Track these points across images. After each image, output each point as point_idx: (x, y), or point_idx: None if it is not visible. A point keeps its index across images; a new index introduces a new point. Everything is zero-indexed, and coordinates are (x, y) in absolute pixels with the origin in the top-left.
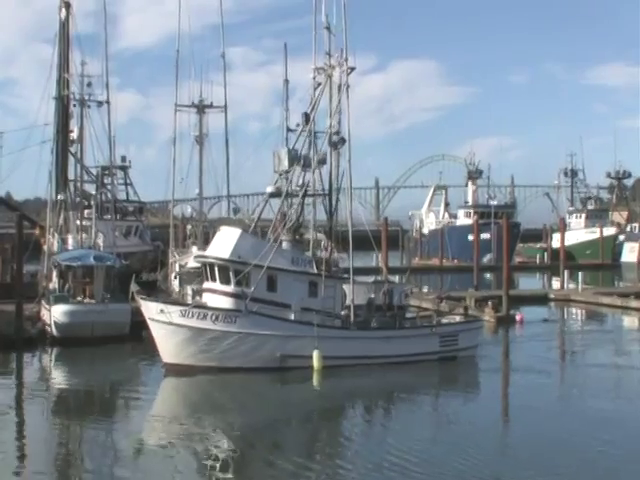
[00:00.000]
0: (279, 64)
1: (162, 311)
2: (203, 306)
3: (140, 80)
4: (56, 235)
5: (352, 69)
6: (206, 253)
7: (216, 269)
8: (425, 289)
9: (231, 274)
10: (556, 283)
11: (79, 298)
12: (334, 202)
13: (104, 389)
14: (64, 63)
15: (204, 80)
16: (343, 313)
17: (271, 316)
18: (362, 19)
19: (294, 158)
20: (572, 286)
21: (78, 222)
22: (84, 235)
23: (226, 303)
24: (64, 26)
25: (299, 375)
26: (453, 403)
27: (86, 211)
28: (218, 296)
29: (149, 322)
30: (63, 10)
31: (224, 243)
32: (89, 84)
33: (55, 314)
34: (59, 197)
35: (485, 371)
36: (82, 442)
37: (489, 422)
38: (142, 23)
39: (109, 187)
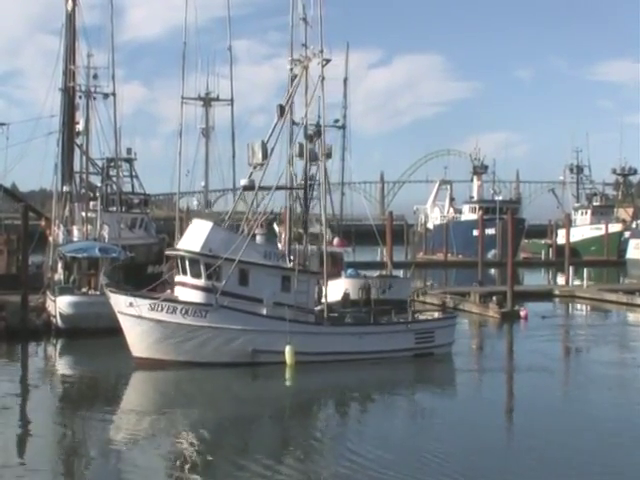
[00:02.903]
0: (284, 57)
1: (131, 304)
2: (173, 300)
3: (145, 72)
4: (61, 227)
5: (327, 61)
6: (177, 246)
7: (187, 262)
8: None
9: (202, 267)
10: (561, 279)
11: (84, 290)
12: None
13: (105, 380)
14: (70, 55)
15: (210, 73)
16: (318, 308)
17: (242, 310)
18: (367, 13)
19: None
20: (577, 282)
21: (83, 214)
22: (89, 227)
23: (197, 297)
24: (70, 17)
25: (271, 371)
26: (429, 401)
27: (91, 203)
28: (189, 290)
29: (118, 316)
30: (69, 1)
31: (195, 236)
32: (95, 76)
33: (60, 305)
34: (64, 189)
35: (481, 368)
36: (72, 435)
37: (466, 420)
38: (148, 15)
39: (114, 179)
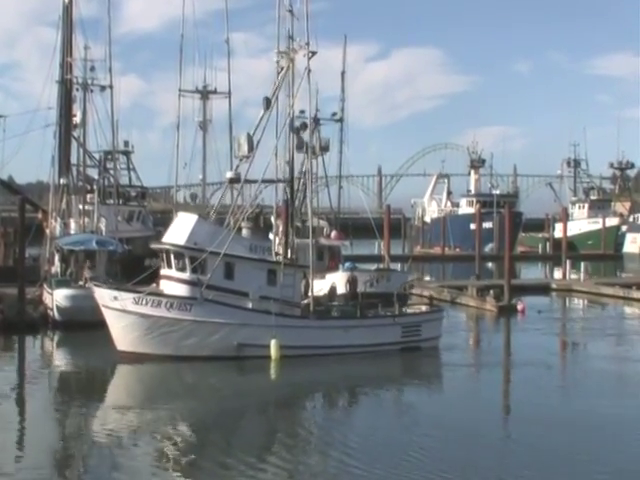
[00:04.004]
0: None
1: (116, 298)
2: (157, 293)
3: (142, 65)
4: (58, 219)
5: (314, 53)
6: (163, 239)
7: (172, 256)
8: (427, 278)
9: (187, 261)
10: (558, 273)
11: (81, 282)
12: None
13: (101, 374)
14: (67, 47)
15: (208, 66)
16: (306, 302)
17: (227, 304)
18: (364, 6)
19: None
20: (574, 276)
21: (80, 206)
22: (86, 219)
23: (182, 290)
24: (67, 10)
25: (256, 364)
26: (417, 395)
27: (88, 196)
28: (174, 283)
29: (103, 309)
30: None
31: (180, 229)
32: (92, 68)
33: (57, 298)
34: (62, 181)
35: (476, 362)
36: (63, 429)
37: (455, 416)
38: (145, 7)
39: (112, 172)
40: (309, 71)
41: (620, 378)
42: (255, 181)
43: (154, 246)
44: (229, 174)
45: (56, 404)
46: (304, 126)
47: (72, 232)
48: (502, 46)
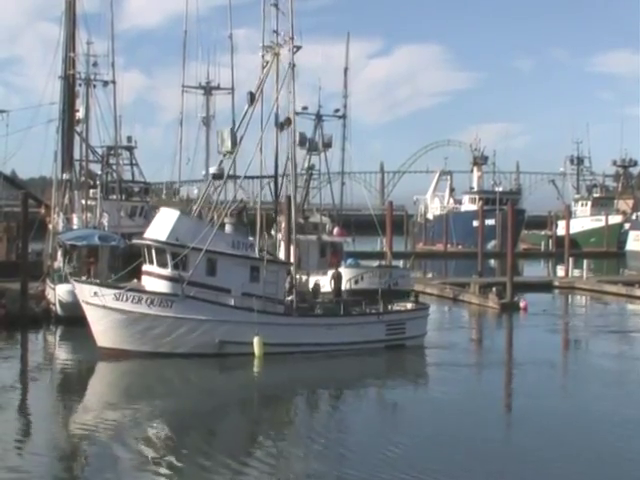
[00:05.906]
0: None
1: (96, 294)
2: (138, 289)
3: (145, 60)
4: (61, 214)
5: (298, 48)
6: (144, 235)
7: (153, 252)
8: (430, 275)
9: (168, 257)
10: (561, 271)
11: (83, 278)
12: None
13: (103, 369)
14: (70, 42)
15: (210, 62)
16: (290, 299)
17: (209, 301)
18: (367, 3)
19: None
20: (577, 274)
21: (83, 202)
22: (89, 215)
23: (163, 287)
24: (70, 5)
25: (239, 362)
26: (402, 393)
27: (91, 191)
28: (155, 279)
29: (83, 305)
30: None
31: (162, 225)
32: (95, 64)
33: (60, 293)
34: (64, 176)
35: (478, 361)
36: (54, 426)
37: (436, 412)
38: (148, 3)
39: (114, 167)
40: (293, 66)
41: (623, 376)
42: (238, 177)
43: (136, 242)
44: (212, 169)
45: (56, 399)
46: (288, 122)
47: (75, 227)
48: (504, 43)
